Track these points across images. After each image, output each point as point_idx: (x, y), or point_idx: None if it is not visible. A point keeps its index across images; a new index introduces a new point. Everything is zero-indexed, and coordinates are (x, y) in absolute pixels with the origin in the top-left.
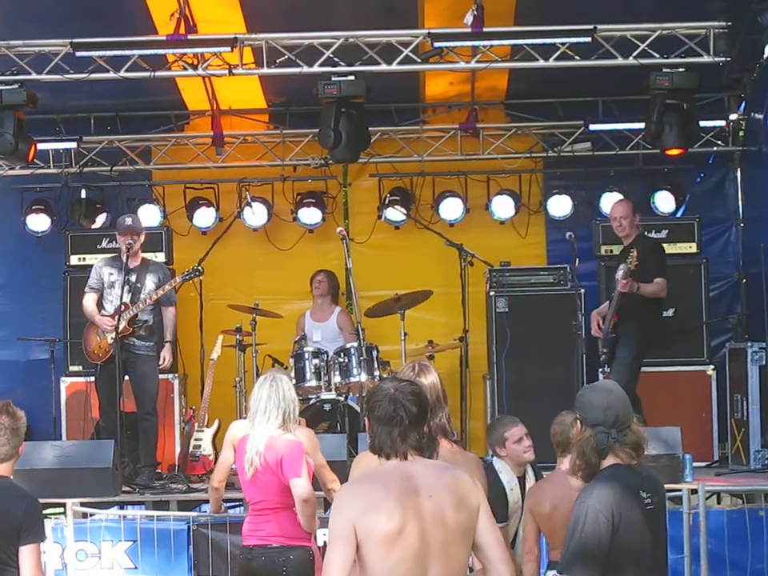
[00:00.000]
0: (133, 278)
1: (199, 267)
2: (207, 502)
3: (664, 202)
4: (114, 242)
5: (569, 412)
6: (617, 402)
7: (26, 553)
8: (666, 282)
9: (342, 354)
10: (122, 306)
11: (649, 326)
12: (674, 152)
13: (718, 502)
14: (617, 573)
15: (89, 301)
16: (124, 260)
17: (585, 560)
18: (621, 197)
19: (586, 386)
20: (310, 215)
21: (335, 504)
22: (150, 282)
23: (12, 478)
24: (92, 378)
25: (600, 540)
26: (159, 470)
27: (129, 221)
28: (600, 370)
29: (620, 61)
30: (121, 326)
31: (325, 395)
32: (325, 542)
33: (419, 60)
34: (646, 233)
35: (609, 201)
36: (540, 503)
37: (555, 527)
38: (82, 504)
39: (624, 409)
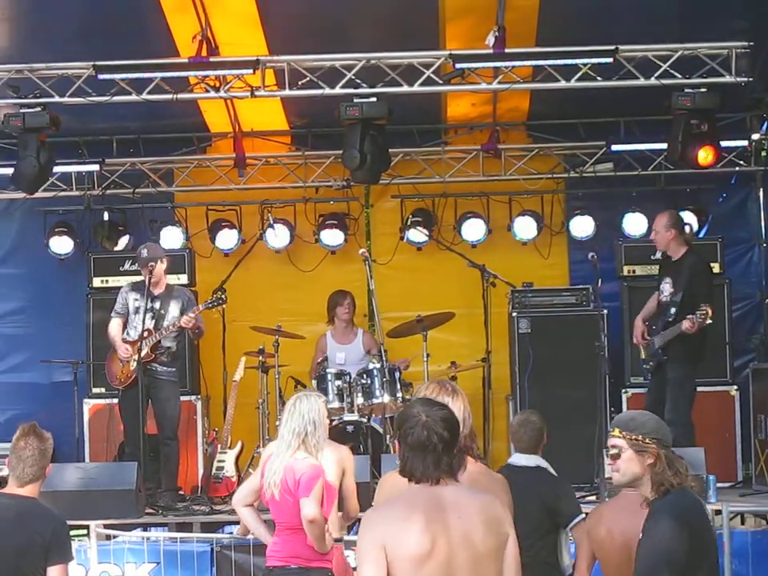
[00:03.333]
0: (157, 304)
1: (222, 296)
2: (231, 523)
3: (687, 221)
4: (136, 264)
5: None
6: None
7: (53, 573)
8: (711, 309)
9: (364, 376)
10: (145, 333)
11: (698, 348)
12: (707, 158)
13: (742, 523)
14: None
15: (114, 326)
16: (147, 287)
17: (661, 571)
18: (643, 217)
19: (632, 412)
20: (333, 237)
21: (364, 524)
22: (173, 308)
23: (38, 499)
24: (115, 400)
25: (670, 558)
26: (182, 493)
27: (144, 252)
28: (624, 390)
29: (642, 81)
30: (143, 353)
31: (347, 417)
32: None
33: (441, 81)
34: (693, 250)
35: (631, 221)
36: (596, 526)
37: (608, 553)
38: (106, 526)
39: None
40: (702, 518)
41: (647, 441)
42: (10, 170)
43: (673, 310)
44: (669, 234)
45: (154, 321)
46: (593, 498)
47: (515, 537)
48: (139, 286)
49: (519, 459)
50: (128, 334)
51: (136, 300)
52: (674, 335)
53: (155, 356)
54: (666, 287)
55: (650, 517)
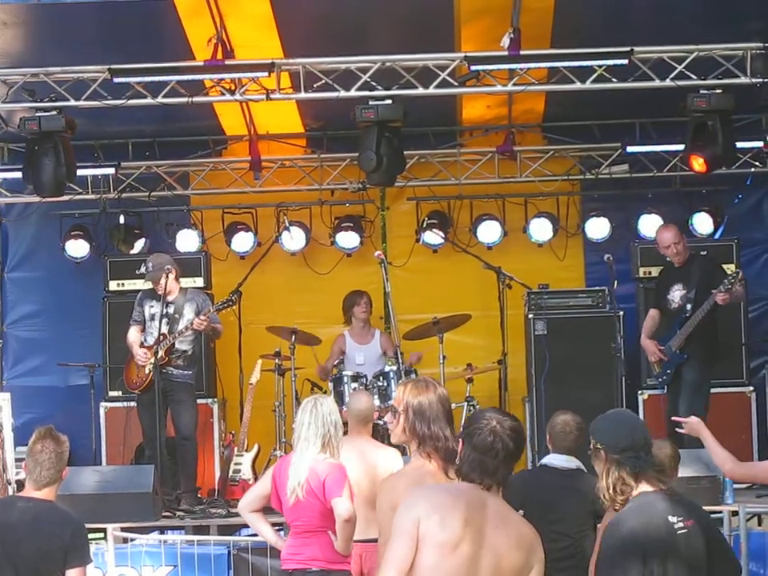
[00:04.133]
0: (171, 309)
1: (232, 297)
2: (247, 526)
3: (702, 223)
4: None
5: (663, 440)
6: (639, 425)
7: None
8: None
9: (380, 378)
10: (161, 337)
11: (713, 346)
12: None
13: (759, 524)
14: None
15: (131, 333)
16: (160, 294)
17: None
18: (659, 219)
19: (600, 416)
20: (348, 239)
21: (404, 502)
22: (188, 311)
23: (55, 502)
24: (132, 404)
25: (625, 567)
26: (200, 495)
27: (143, 269)
28: (640, 392)
29: (657, 83)
30: (158, 356)
31: None
32: None
33: (456, 83)
34: (694, 253)
35: (647, 223)
36: None
37: None
38: (123, 529)
39: (646, 431)
40: (658, 529)
41: (597, 446)
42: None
43: (689, 307)
44: (684, 239)
45: (168, 325)
46: None
47: (542, 570)
48: (151, 293)
49: (558, 460)
50: (146, 340)
51: (151, 307)
52: (696, 323)
53: (170, 359)
54: (677, 293)
55: (598, 544)
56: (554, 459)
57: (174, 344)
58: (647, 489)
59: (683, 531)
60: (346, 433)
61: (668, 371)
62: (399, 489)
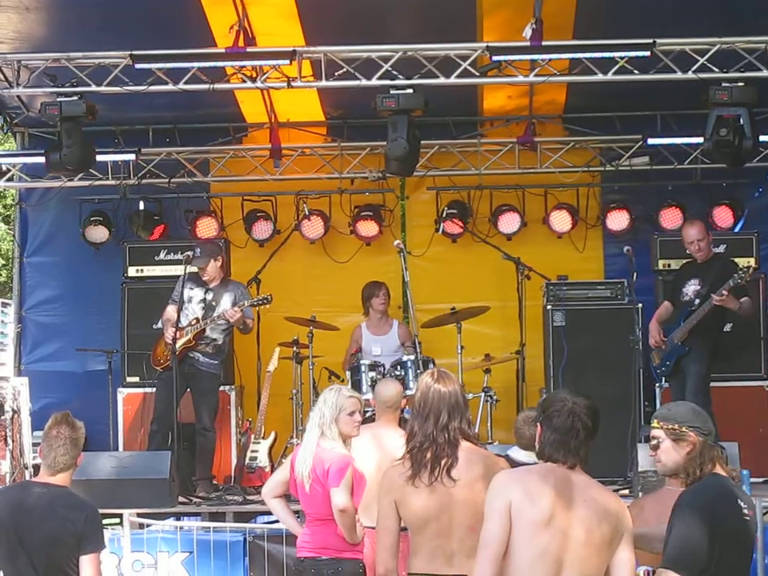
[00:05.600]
0: (209, 295)
1: (268, 296)
2: (263, 513)
3: (722, 216)
4: (171, 253)
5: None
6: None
7: (86, 562)
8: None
9: (398, 367)
10: (193, 320)
11: (717, 340)
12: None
13: None
14: None
15: (168, 311)
16: (204, 280)
17: (687, 558)
18: (679, 211)
19: (671, 403)
20: (367, 228)
21: (497, 484)
22: (226, 300)
23: (69, 488)
24: (149, 390)
25: (698, 544)
26: (216, 482)
27: (198, 251)
28: (657, 384)
29: (679, 75)
30: (185, 339)
31: None
32: None
33: (477, 73)
34: (717, 250)
35: (667, 215)
36: (636, 518)
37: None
38: (139, 515)
39: None
40: (730, 508)
41: (683, 429)
42: (43, 159)
43: (697, 301)
44: (709, 237)
45: (204, 311)
46: (626, 491)
47: (631, 537)
48: (193, 276)
49: (519, 455)
50: (180, 321)
51: (191, 289)
52: (698, 319)
53: (196, 343)
54: (692, 288)
55: (674, 508)
56: (516, 454)
57: (204, 330)
58: (720, 472)
59: (747, 518)
60: (371, 420)
61: (667, 363)
62: (396, 480)
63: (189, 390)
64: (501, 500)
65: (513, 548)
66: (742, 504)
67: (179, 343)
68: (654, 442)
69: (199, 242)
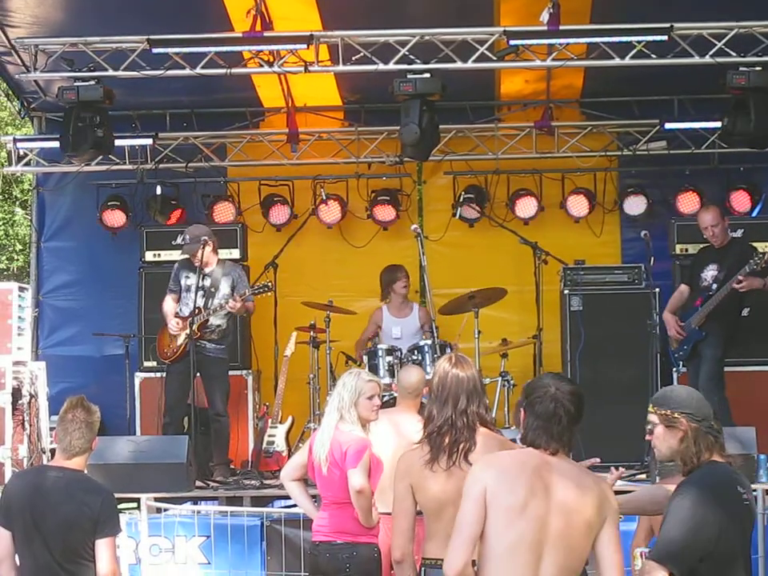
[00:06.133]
0: (207, 282)
1: (269, 283)
2: (280, 498)
3: (740, 201)
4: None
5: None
6: (704, 399)
7: (102, 546)
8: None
9: (415, 352)
10: (196, 310)
11: (734, 325)
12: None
13: None
14: (728, 568)
15: (167, 303)
16: (197, 266)
17: (678, 553)
18: (696, 196)
19: (668, 387)
20: (385, 212)
21: (476, 467)
22: (224, 285)
23: (85, 472)
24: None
25: (696, 535)
26: (233, 466)
27: (179, 240)
28: (674, 369)
29: (696, 59)
30: (190, 330)
31: None
32: None
33: (495, 58)
34: (734, 235)
35: (684, 200)
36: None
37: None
38: (156, 499)
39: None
40: (729, 495)
41: (675, 415)
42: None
43: (715, 286)
44: (725, 222)
45: (204, 299)
46: (643, 476)
47: (615, 521)
48: (187, 263)
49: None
50: (181, 310)
51: (187, 278)
52: (717, 302)
53: (203, 334)
54: (710, 273)
55: (672, 496)
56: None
57: (208, 320)
58: (718, 459)
59: (747, 503)
60: (388, 405)
61: (685, 347)
62: (414, 463)
63: (199, 376)
64: (477, 485)
65: (489, 534)
66: (741, 489)
67: (183, 337)
68: (648, 426)
69: (188, 228)
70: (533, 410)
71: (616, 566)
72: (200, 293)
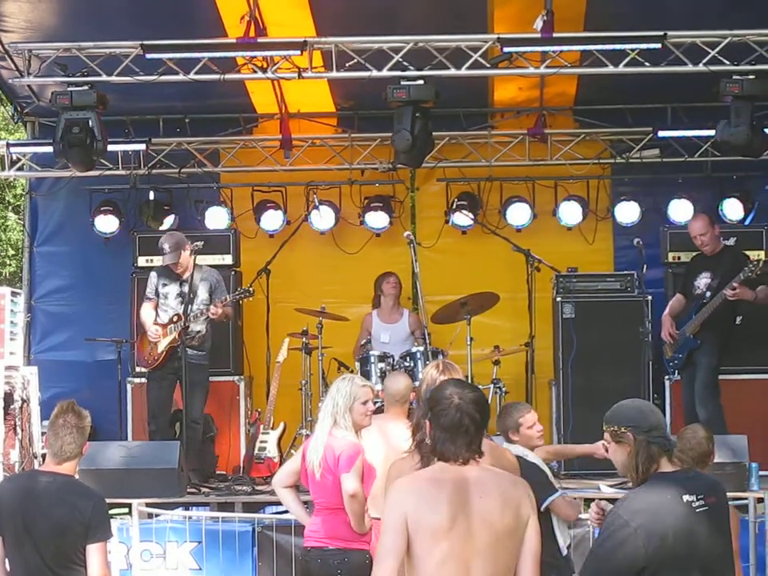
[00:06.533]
0: (185, 288)
1: (250, 288)
2: (272, 504)
3: (732, 209)
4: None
5: (699, 425)
6: (655, 407)
7: (93, 551)
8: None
9: (407, 359)
10: (174, 317)
11: (728, 333)
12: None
13: None
14: None
15: (145, 310)
16: (177, 272)
17: (603, 571)
18: (689, 204)
19: (619, 402)
20: (377, 219)
21: (389, 497)
22: (202, 290)
23: (76, 476)
24: None
25: (623, 555)
26: (224, 472)
27: (166, 248)
28: (667, 377)
29: (690, 67)
30: (171, 338)
31: None
32: None
33: (488, 65)
34: (727, 242)
35: (677, 208)
36: None
37: None
38: (148, 504)
39: (660, 413)
40: (670, 509)
41: (623, 430)
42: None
43: (708, 294)
44: (715, 231)
45: (183, 305)
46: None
47: (537, 521)
48: (164, 270)
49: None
50: (159, 316)
51: (165, 285)
52: (710, 312)
53: (183, 341)
54: (703, 281)
55: (609, 511)
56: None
57: (188, 326)
58: (667, 468)
59: (704, 509)
60: (379, 411)
61: (680, 355)
62: (406, 471)
63: (178, 383)
64: (396, 513)
65: (416, 555)
66: (689, 498)
67: (164, 344)
68: (605, 444)
69: (164, 237)
70: (438, 422)
71: (533, 554)
72: (178, 300)
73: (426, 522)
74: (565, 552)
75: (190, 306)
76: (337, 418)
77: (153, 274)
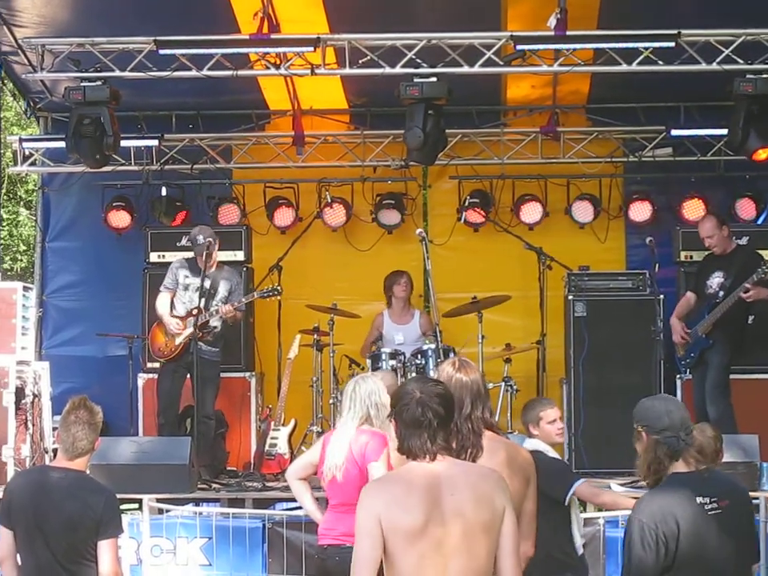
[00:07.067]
0: (207, 283)
1: (278, 287)
2: (282, 500)
3: (745, 208)
4: (193, 247)
5: (707, 424)
6: (677, 406)
7: (104, 547)
8: None
9: (419, 356)
10: (195, 311)
11: (740, 333)
12: (763, 155)
13: None
14: None
15: (163, 300)
16: (201, 267)
17: (639, 571)
18: (702, 203)
19: (641, 400)
20: (389, 216)
21: (362, 498)
22: (222, 288)
23: (87, 472)
24: None
25: (649, 555)
26: (234, 468)
27: (200, 238)
28: (678, 375)
29: (703, 66)
30: (189, 331)
31: None
32: None
33: (501, 63)
34: (740, 242)
35: (689, 207)
36: None
37: None
38: (158, 500)
39: (685, 412)
40: (683, 511)
41: (639, 429)
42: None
43: (721, 294)
44: (723, 231)
45: (204, 299)
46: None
47: (512, 510)
48: (190, 262)
49: (530, 444)
50: (175, 308)
51: (186, 277)
52: (723, 312)
53: (202, 334)
54: (716, 281)
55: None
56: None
57: (208, 320)
58: (682, 469)
59: (716, 512)
60: None
61: (692, 354)
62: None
63: (190, 376)
64: (369, 519)
65: (393, 555)
66: (703, 500)
67: (182, 337)
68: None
69: (197, 229)
70: (401, 418)
71: (511, 548)
72: (197, 293)
73: (399, 524)
74: (581, 551)
75: (210, 301)
76: (372, 421)
77: (176, 265)
